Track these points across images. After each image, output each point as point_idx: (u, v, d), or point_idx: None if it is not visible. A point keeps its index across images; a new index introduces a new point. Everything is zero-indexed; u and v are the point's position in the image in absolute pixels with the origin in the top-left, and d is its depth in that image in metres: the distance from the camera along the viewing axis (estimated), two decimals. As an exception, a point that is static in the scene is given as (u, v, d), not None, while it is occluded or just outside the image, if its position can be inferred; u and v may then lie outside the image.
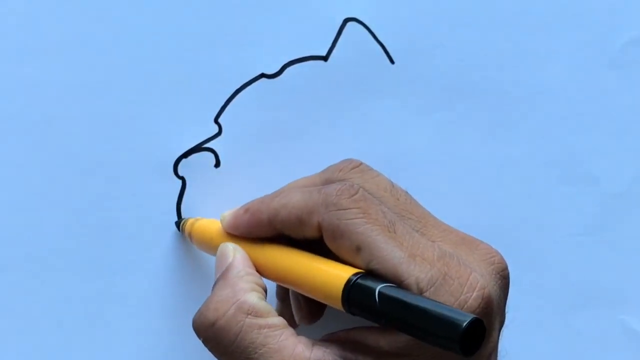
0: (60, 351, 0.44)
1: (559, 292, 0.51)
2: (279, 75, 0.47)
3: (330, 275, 0.38)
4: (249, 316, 0.39)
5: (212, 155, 0.46)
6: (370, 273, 0.37)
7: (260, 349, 0.38)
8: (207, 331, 0.39)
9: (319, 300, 0.39)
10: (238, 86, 0.47)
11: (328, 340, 0.39)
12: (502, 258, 0.40)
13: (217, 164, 0.47)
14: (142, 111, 0.45)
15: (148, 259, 0.45)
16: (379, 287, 0.36)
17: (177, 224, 0.46)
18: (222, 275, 0.41)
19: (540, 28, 0.51)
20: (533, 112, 0.51)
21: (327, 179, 0.42)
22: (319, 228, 0.39)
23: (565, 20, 0.52)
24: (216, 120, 0.46)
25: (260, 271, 0.41)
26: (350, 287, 0.37)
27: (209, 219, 0.45)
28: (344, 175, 0.42)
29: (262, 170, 0.47)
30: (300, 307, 0.44)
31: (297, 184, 0.44)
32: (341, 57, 0.48)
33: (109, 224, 0.45)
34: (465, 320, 0.33)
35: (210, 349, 0.39)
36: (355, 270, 0.37)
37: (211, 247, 0.43)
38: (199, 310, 0.40)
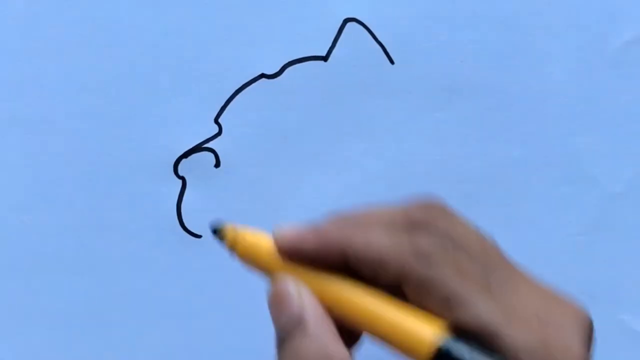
0: (60, 351, 0.44)
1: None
2: (279, 75, 0.47)
3: (417, 335, 0.35)
4: None
5: (212, 155, 0.46)
6: (462, 331, 0.35)
7: None
8: None
9: (398, 353, 0.35)
10: (238, 86, 0.47)
11: None
12: (588, 316, 0.38)
13: (217, 164, 0.47)
14: (142, 111, 0.45)
15: (148, 259, 0.45)
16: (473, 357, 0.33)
17: (215, 231, 0.39)
18: (299, 330, 0.36)
19: (540, 28, 0.51)
20: (533, 112, 0.51)
21: (410, 219, 0.37)
22: (400, 277, 0.36)
23: (565, 20, 0.52)
24: (216, 120, 0.46)
25: (325, 307, 0.36)
26: (442, 354, 0.34)
27: (254, 234, 0.38)
28: (431, 219, 0.37)
29: (262, 170, 0.47)
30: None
31: (376, 216, 0.38)
32: (341, 57, 0.48)
33: (109, 224, 0.45)
34: None
35: None
36: (444, 329, 0.34)
37: (262, 269, 0.38)
38: None
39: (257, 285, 0.47)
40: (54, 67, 0.44)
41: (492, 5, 0.50)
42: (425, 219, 0.37)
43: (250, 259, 0.38)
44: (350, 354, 0.37)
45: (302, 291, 0.36)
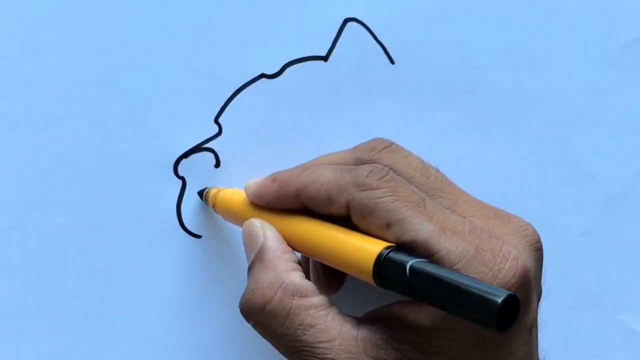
0: (60, 351, 0.44)
1: (559, 292, 0.51)
2: (279, 75, 0.47)
3: (362, 249, 0.38)
4: (295, 297, 0.39)
5: (212, 155, 0.46)
6: (401, 247, 0.37)
7: (309, 330, 0.38)
8: (257, 316, 0.39)
9: (349, 273, 0.39)
10: (238, 86, 0.47)
11: (371, 318, 0.39)
12: (534, 230, 0.40)
13: (217, 164, 0.47)
14: (142, 111, 0.45)
15: (148, 259, 0.45)
16: (410, 262, 0.36)
17: (200, 194, 0.46)
18: (259, 257, 0.41)
19: (540, 28, 0.51)
20: (533, 112, 0.51)
21: (358, 158, 0.42)
22: (347, 207, 0.39)
23: (565, 20, 0.52)
24: (216, 120, 0.46)
25: (288, 244, 0.41)
26: (382, 262, 0.37)
27: (232, 189, 0.45)
28: (375, 155, 0.42)
29: (262, 170, 0.47)
30: (318, 279, 0.44)
31: (327, 159, 0.44)
32: (341, 57, 0.48)
33: (109, 224, 0.45)
34: (500, 296, 0.33)
35: (261, 332, 0.40)
36: (387, 244, 0.37)
37: (237, 218, 0.43)
38: (244, 296, 0.40)
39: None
40: (54, 67, 0.44)
41: (492, 5, 0.50)
42: (370, 155, 0.42)
43: (226, 209, 0.44)
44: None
45: (265, 227, 0.41)
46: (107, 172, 0.45)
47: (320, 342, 0.38)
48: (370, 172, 0.39)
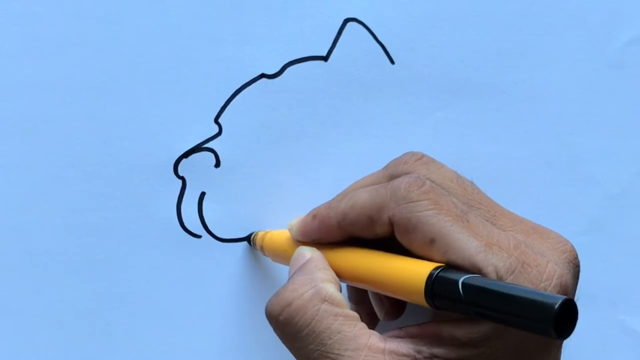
0: (60, 351, 0.44)
1: (559, 292, 0.51)
2: (279, 75, 0.47)
3: (410, 272, 0.37)
4: (326, 302, 0.38)
5: (212, 155, 0.46)
6: (448, 265, 0.37)
7: (336, 335, 0.38)
8: (282, 312, 0.39)
9: (401, 298, 0.38)
10: (238, 86, 0.47)
11: (396, 335, 0.38)
12: (572, 247, 0.39)
13: (217, 164, 0.47)
14: (142, 111, 0.45)
15: (148, 259, 0.45)
16: (462, 279, 0.35)
17: (248, 239, 0.47)
18: (299, 268, 0.40)
19: (540, 28, 0.51)
20: (533, 112, 0.51)
21: (391, 175, 0.41)
22: (390, 224, 0.39)
23: (565, 20, 0.52)
24: (216, 120, 0.46)
25: (337, 275, 0.41)
26: (433, 282, 0.36)
27: (278, 230, 0.46)
28: (409, 168, 0.41)
29: (262, 170, 0.47)
30: (382, 305, 0.43)
31: (361, 183, 0.43)
32: (341, 57, 0.48)
33: (109, 224, 0.45)
34: (557, 301, 0.33)
35: (282, 334, 0.39)
36: (434, 265, 0.37)
37: (285, 257, 0.43)
38: (274, 295, 0.39)
39: (257, 286, 0.47)
40: (54, 67, 0.44)
41: (492, 5, 0.50)
42: (403, 169, 0.41)
43: (275, 250, 0.45)
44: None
45: (313, 251, 0.41)
46: (107, 172, 0.45)
47: (347, 349, 0.37)
48: (408, 183, 0.38)
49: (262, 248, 0.46)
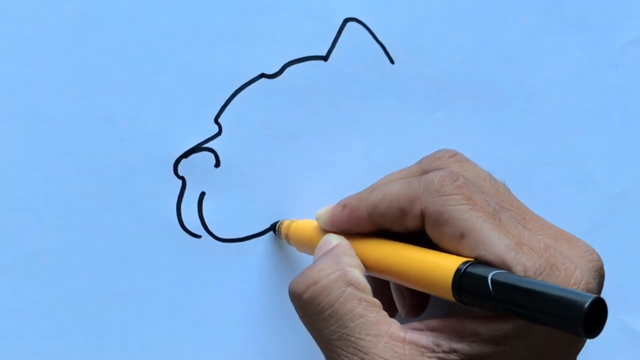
0: (60, 351, 0.44)
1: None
2: (279, 75, 0.47)
3: (438, 266, 0.37)
4: (351, 286, 0.38)
5: (212, 155, 0.46)
6: (476, 261, 0.37)
7: (358, 319, 0.37)
8: (307, 290, 0.38)
9: (427, 292, 0.38)
10: (238, 86, 0.47)
11: (419, 327, 0.38)
12: (599, 256, 0.39)
13: (217, 164, 0.47)
14: (142, 111, 0.45)
15: (148, 259, 0.45)
16: (491, 274, 0.35)
17: (273, 228, 0.47)
18: (326, 252, 0.40)
19: (540, 28, 0.51)
20: (533, 112, 0.51)
21: (424, 170, 0.41)
22: (421, 217, 0.39)
23: (565, 20, 0.52)
24: (216, 120, 0.46)
25: (364, 267, 0.40)
26: (461, 276, 0.36)
27: (304, 220, 0.46)
28: (442, 164, 0.41)
29: (262, 170, 0.47)
30: (404, 301, 0.43)
31: (392, 177, 0.43)
32: (341, 57, 0.48)
33: (109, 224, 0.45)
34: (587, 300, 0.32)
35: (304, 313, 0.39)
36: (463, 259, 0.37)
37: (310, 246, 0.43)
38: (298, 274, 0.39)
39: (257, 286, 0.47)
40: (54, 67, 0.44)
41: (492, 5, 0.50)
42: (437, 164, 0.41)
43: (300, 239, 0.45)
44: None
45: (340, 238, 0.41)
46: (107, 172, 0.45)
47: (367, 334, 0.37)
48: (442, 176, 0.38)
49: (287, 236, 0.46)
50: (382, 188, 0.40)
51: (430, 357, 0.37)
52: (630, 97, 0.53)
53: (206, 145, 0.46)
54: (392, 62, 0.49)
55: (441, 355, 0.37)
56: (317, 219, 0.43)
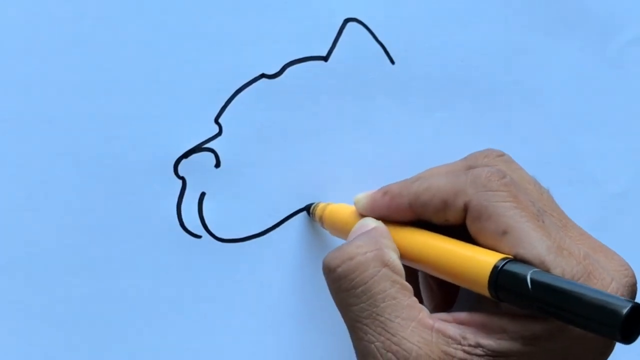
0: (60, 351, 0.44)
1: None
2: (279, 75, 0.47)
3: (476, 260, 0.37)
4: (387, 267, 0.38)
5: (212, 155, 0.46)
6: (515, 259, 0.37)
7: (390, 300, 0.37)
8: (342, 264, 0.38)
9: (461, 285, 0.38)
10: (238, 86, 0.47)
11: (446, 319, 0.38)
12: (633, 272, 0.39)
13: (217, 164, 0.47)
14: (142, 111, 0.45)
15: (148, 259, 0.45)
16: (530, 273, 0.35)
17: (307, 209, 0.47)
18: (364, 233, 0.40)
19: (540, 28, 0.51)
20: (533, 112, 0.51)
21: (470, 166, 0.41)
22: (464, 210, 0.39)
23: (565, 20, 0.52)
24: (216, 120, 0.46)
25: (401, 255, 0.40)
26: (498, 273, 0.36)
27: (339, 204, 0.46)
28: (489, 162, 0.41)
29: (262, 170, 0.47)
30: (432, 295, 0.43)
31: (437, 170, 0.43)
32: (341, 57, 0.48)
33: (108, 224, 0.45)
34: (626, 306, 0.33)
35: (336, 287, 0.39)
36: (501, 255, 0.37)
37: (345, 230, 0.43)
38: (334, 249, 0.39)
39: (257, 287, 0.47)
40: (54, 67, 0.44)
41: (492, 5, 0.50)
42: (484, 162, 0.41)
43: (335, 222, 0.45)
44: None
45: (378, 222, 0.41)
46: (107, 172, 0.45)
47: (397, 316, 0.37)
48: (490, 172, 0.38)
49: (321, 219, 0.46)
50: (426, 178, 0.40)
51: (456, 349, 0.37)
52: (630, 97, 0.53)
53: (206, 145, 0.46)
54: (392, 62, 0.49)
55: (466, 348, 0.37)
56: (355, 204, 0.43)
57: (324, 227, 0.46)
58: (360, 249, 0.39)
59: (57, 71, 0.44)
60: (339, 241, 0.47)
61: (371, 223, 0.41)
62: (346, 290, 0.38)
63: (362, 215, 0.43)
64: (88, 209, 0.45)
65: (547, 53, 0.51)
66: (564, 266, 0.36)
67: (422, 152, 0.46)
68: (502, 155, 0.42)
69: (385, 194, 0.41)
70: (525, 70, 0.51)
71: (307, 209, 0.47)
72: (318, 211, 0.46)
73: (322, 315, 0.47)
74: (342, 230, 0.44)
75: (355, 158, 0.48)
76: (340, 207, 0.45)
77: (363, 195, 0.43)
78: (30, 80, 0.44)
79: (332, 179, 0.48)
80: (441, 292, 0.43)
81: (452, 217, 0.39)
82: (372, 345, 0.37)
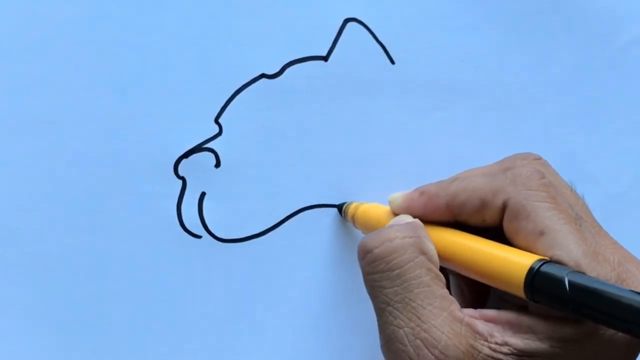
0: (60, 351, 0.44)
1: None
2: (279, 75, 0.47)
3: (512, 261, 0.37)
4: (424, 256, 0.38)
5: (212, 155, 0.46)
6: (551, 260, 0.37)
7: (425, 287, 0.37)
8: (381, 245, 0.38)
9: (497, 286, 0.38)
10: (238, 86, 0.47)
11: (474, 315, 0.38)
12: None
13: (217, 164, 0.47)
14: (143, 111, 0.45)
15: (148, 259, 0.45)
16: (567, 275, 0.35)
17: (339, 208, 0.47)
18: (403, 223, 0.40)
19: (540, 28, 0.51)
20: (533, 112, 0.51)
21: (507, 168, 0.41)
22: (502, 209, 0.38)
23: (565, 20, 0.52)
24: (216, 120, 0.46)
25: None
26: (535, 274, 0.36)
27: (371, 203, 0.46)
28: (527, 164, 0.41)
29: (262, 170, 0.47)
30: (463, 296, 0.43)
31: (474, 172, 0.43)
32: (341, 57, 0.48)
33: (108, 224, 0.45)
34: None
35: (372, 268, 0.39)
36: (537, 257, 0.37)
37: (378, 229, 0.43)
38: (372, 233, 0.39)
39: (257, 287, 0.47)
40: (54, 67, 0.44)
41: (492, 5, 0.50)
42: (522, 164, 0.41)
43: (367, 222, 0.44)
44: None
45: (415, 219, 0.41)
46: (107, 172, 0.45)
47: (430, 304, 0.37)
48: (530, 172, 0.38)
49: (353, 218, 0.46)
50: (463, 178, 0.40)
51: (482, 345, 0.37)
52: (630, 97, 0.53)
53: (206, 145, 0.46)
54: (392, 62, 0.49)
55: (493, 345, 0.37)
56: (390, 203, 0.43)
57: (355, 227, 0.46)
58: (400, 233, 0.39)
59: (57, 71, 0.44)
60: (341, 243, 0.47)
61: (407, 218, 0.41)
62: (381, 271, 0.38)
63: (396, 215, 0.43)
64: (88, 208, 0.45)
65: (546, 53, 0.51)
66: (599, 271, 0.36)
67: (422, 152, 0.46)
68: (539, 158, 0.42)
69: (422, 194, 0.41)
70: (525, 70, 0.51)
71: (339, 208, 0.47)
72: (350, 210, 0.46)
73: (323, 315, 0.47)
74: (374, 229, 0.43)
75: (355, 158, 0.48)
76: (373, 207, 0.45)
77: (398, 194, 0.42)
78: (31, 80, 0.44)
79: (332, 179, 0.48)
80: (472, 294, 0.43)
81: (490, 216, 0.39)
82: (401, 330, 0.37)
